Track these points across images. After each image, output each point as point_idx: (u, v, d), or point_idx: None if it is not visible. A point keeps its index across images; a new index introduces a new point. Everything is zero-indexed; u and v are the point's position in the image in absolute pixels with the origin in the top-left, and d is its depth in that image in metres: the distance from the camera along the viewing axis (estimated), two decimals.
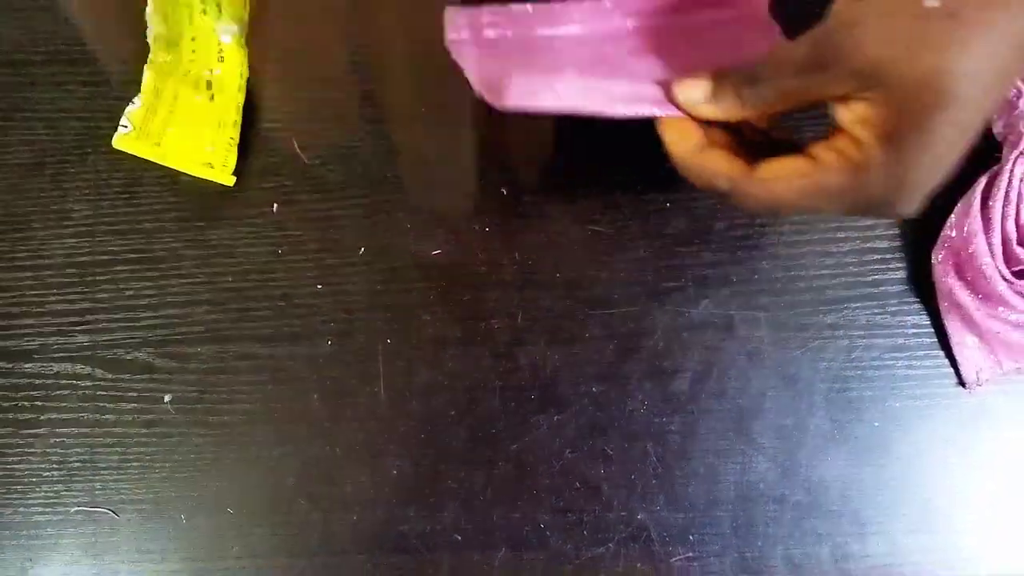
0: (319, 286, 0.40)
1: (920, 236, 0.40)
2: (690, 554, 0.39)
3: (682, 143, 0.32)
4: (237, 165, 0.41)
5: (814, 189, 0.30)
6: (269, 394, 0.40)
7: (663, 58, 0.35)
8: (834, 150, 0.30)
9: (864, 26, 0.28)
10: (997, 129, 0.39)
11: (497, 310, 0.40)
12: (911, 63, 0.27)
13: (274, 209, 0.41)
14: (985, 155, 0.40)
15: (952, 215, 0.39)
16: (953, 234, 0.39)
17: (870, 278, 0.40)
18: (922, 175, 0.29)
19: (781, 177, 0.31)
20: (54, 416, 0.40)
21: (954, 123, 0.27)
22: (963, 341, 0.39)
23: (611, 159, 0.41)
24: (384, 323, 0.40)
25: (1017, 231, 0.38)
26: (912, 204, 0.30)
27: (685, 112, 0.32)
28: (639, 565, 0.39)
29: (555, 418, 0.40)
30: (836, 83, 0.29)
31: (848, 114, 0.29)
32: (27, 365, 0.40)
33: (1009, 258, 0.38)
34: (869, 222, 0.41)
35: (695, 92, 0.32)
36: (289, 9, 0.42)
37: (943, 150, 0.28)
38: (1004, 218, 0.38)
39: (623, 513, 0.39)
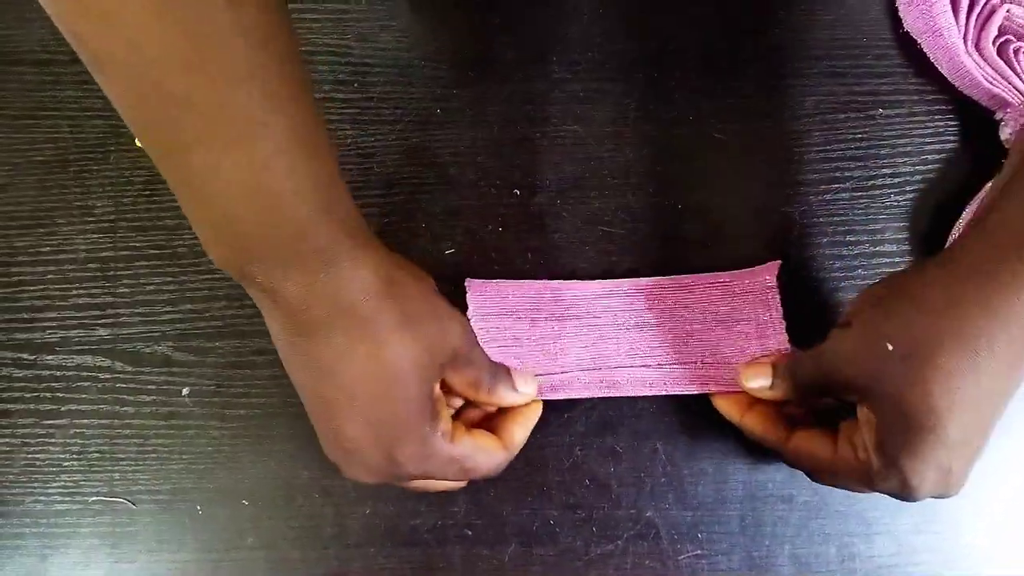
0: None
1: (929, 240, 0.41)
2: (698, 552, 0.39)
3: (733, 411, 0.38)
4: None
5: (831, 472, 0.34)
6: (285, 389, 0.40)
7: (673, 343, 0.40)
8: (850, 443, 0.33)
9: (845, 354, 0.33)
10: (1004, 136, 0.40)
11: None
12: (883, 391, 0.31)
13: None
14: (993, 161, 0.41)
15: (960, 220, 0.40)
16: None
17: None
18: (923, 485, 0.31)
19: (804, 452, 0.35)
20: (75, 407, 0.40)
21: (938, 448, 0.30)
22: None
23: (623, 162, 0.42)
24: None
25: None
26: (925, 496, 0.32)
27: (746, 391, 0.37)
28: (647, 562, 0.39)
29: (565, 415, 0.40)
30: (840, 392, 0.33)
31: (861, 415, 0.33)
32: (49, 357, 0.41)
33: None
34: (879, 225, 0.41)
35: (761, 380, 0.37)
36: (303, 12, 0.43)
37: (935, 471, 0.31)
38: None
39: (632, 510, 0.40)
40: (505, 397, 0.37)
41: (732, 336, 0.39)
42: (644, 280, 0.40)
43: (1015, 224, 0.30)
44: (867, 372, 0.31)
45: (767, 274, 0.39)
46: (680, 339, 0.39)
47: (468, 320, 0.38)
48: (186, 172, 0.28)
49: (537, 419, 0.38)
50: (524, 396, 0.38)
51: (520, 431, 0.38)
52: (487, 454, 0.35)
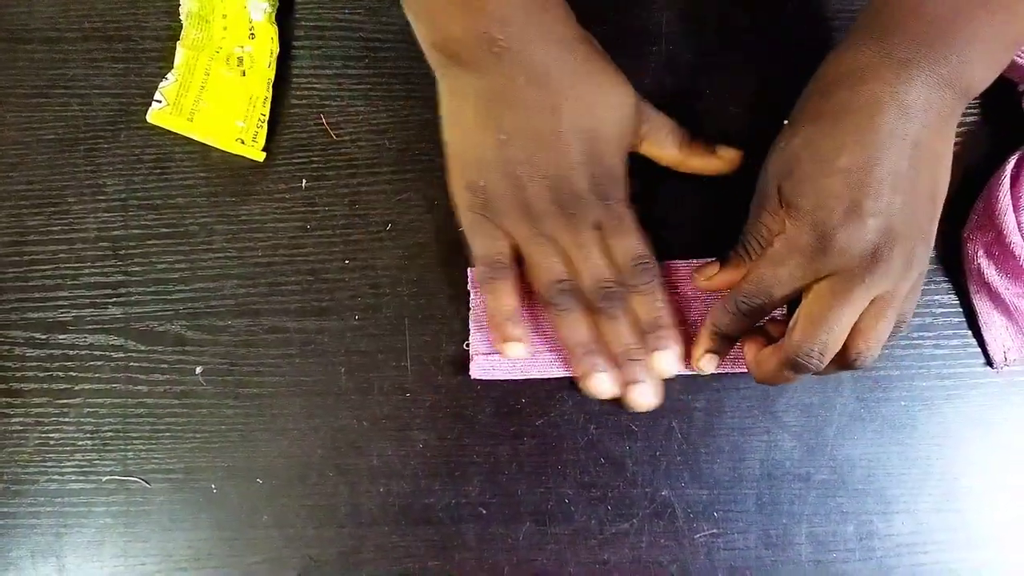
0: (347, 261, 0.41)
1: (950, 215, 0.40)
2: (714, 531, 0.39)
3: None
4: (267, 141, 0.41)
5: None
6: (298, 367, 0.40)
7: None
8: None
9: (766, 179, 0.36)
10: None
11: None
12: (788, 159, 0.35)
13: (303, 185, 0.41)
14: (1016, 134, 0.40)
15: (982, 194, 0.39)
16: (983, 212, 0.39)
17: None
18: (830, 217, 0.34)
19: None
20: (88, 387, 0.40)
21: (824, 179, 0.34)
22: (991, 321, 0.39)
23: None
24: (411, 298, 0.40)
25: None
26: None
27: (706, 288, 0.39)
28: (663, 541, 0.39)
29: (580, 393, 0.40)
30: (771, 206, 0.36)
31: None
32: (62, 337, 0.41)
33: None
34: None
35: (703, 272, 0.38)
36: None
37: (832, 200, 0.34)
38: None
39: (647, 489, 0.39)
40: (697, 157, 0.39)
41: None
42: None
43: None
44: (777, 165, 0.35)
45: None
46: (685, 320, 0.39)
47: None
48: None
49: None
50: (723, 160, 0.39)
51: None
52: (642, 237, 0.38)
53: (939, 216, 0.35)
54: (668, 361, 0.38)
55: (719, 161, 0.39)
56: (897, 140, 0.32)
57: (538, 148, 0.35)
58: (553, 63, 0.35)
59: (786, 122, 0.36)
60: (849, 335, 0.34)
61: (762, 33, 0.42)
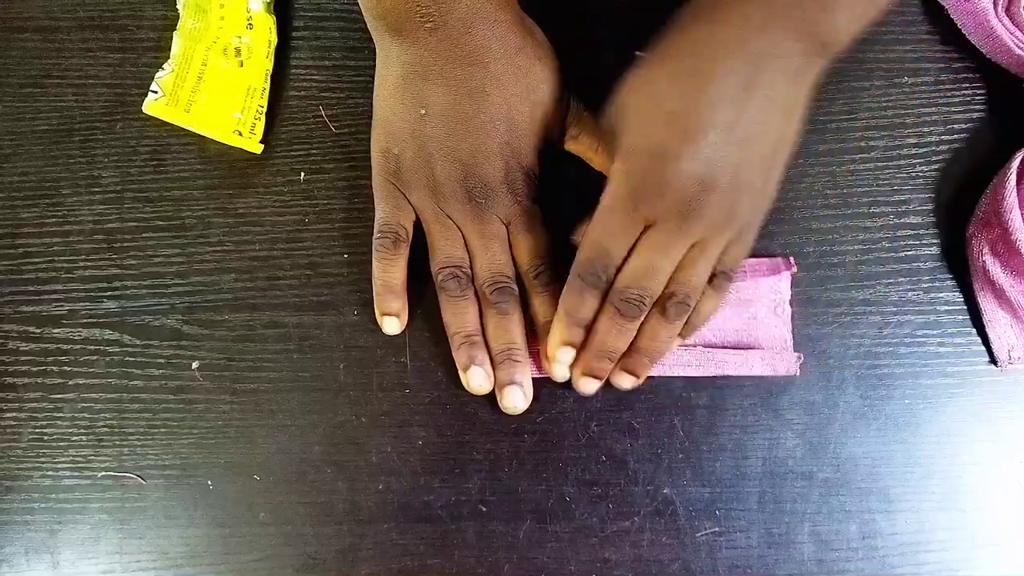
0: (346, 255, 0.40)
1: (955, 212, 0.40)
2: (716, 529, 0.39)
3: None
4: (265, 133, 0.40)
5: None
6: (296, 362, 0.40)
7: None
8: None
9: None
10: None
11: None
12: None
13: (301, 178, 0.41)
14: (1021, 131, 0.39)
15: (987, 190, 0.39)
16: (988, 209, 0.38)
17: (903, 254, 0.40)
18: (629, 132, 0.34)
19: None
20: (82, 381, 0.40)
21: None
22: (996, 319, 0.39)
23: None
24: (410, 292, 0.40)
25: None
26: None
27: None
28: (664, 539, 0.39)
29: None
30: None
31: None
32: (56, 330, 0.40)
33: None
34: (903, 197, 0.40)
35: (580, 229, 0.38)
36: None
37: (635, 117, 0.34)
38: None
39: (649, 487, 0.39)
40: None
41: (737, 320, 0.39)
42: None
43: None
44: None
45: (780, 282, 0.39)
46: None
47: None
48: None
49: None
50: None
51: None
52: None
53: (780, 170, 0.34)
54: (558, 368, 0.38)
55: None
56: (734, 88, 0.31)
57: (455, 129, 0.35)
58: (484, 45, 0.35)
59: (638, 53, 0.35)
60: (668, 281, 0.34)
61: None
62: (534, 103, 0.36)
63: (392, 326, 0.38)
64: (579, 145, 0.39)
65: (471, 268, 0.38)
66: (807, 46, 0.32)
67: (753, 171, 0.33)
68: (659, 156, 0.32)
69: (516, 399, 0.38)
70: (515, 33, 0.35)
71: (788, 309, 0.39)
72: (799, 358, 0.38)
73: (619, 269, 0.35)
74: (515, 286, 0.38)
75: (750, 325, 0.39)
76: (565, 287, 0.36)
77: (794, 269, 0.39)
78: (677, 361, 0.39)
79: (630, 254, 0.34)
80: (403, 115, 0.36)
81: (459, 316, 0.38)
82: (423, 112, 0.35)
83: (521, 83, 0.36)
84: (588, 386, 0.37)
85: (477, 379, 0.38)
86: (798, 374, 0.39)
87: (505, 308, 0.38)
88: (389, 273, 0.38)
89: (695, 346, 0.39)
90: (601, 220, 0.34)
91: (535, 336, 0.39)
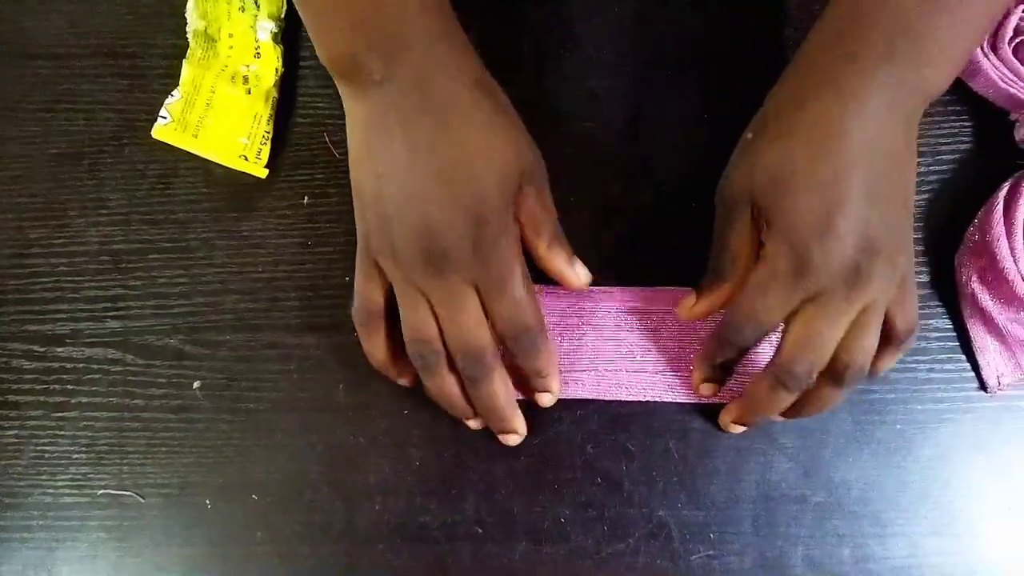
0: (347, 278, 0.41)
1: (944, 240, 0.41)
2: (710, 552, 0.39)
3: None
4: (270, 158, 0.41)
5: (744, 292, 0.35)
6: (296, 383, 0.40)
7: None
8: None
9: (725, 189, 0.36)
10: (1020, 136, 0.40)
11: None
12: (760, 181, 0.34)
13: (305, 202, 0.42)
14: (1008, 161, 0.40)
15: (976, 219, 0.40)
16: (976, 238, 0.39)
17: None
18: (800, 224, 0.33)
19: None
20: (85, 400, 0.40)
21: (801, 192, 0.33)
22: (985, 345, 0.40)
23: (637, 160, 0.42)
24: None
25: None
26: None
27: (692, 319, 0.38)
28: (659, 562, 0.39)
29: (578, 412, 0.40)
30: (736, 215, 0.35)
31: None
32: (59, 349, 0.41)
33: None
34: None
35: (685, 303, 0.38)
36: None
37: (807, 210, 0.33)
38: None
39: (644, 509, 0.39)
40: (558, 260, 0.36)
41: None
42: (649, 291, 0.40)
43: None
44: (748, 179, 0.34)
45: None
46: (680, 348, 0.40)
47: None
48: None
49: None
50: (575, 276, 0.37)
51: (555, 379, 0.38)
52: (535, 311, 0.35)
53: (912, 222, 0.35)
54: (548, 401, 0.39)
55: (572, 275, 0.37)
56: (868, 150, 0.32)
57: (410, 191, 0.33)
58: (437, 100, 0.33)
59: (749, 135, 0.36)
60: (836, 350, 0.34)
61: (761, 60, 0.42)
62: (493, 161, 0.33)
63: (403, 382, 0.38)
64: (524, 228, 0.35)
65: (442, 338, 0.35)
66: (915, 97, 0.33)
67: (901, 224, 0.34)
68: (819, 230, 0.32)
69: (514, 441, 0.39)
70: (471, 88, 0.33)
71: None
72: None
73: (780, 343, 0.35)
74: (490, 354, 0.35)
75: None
76: (712, 337, 0.36)
77: None
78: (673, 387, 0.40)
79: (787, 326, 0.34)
80: (366, 177, 0.34)
81: (438, 388, 0.37)
82: (380, 171, 0.33)
83: (480, 138, 0.33)
84: (737, 430, 0.38)
85: (477, 426, 0.39)
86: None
87: (480, 378, 0.35)
88: (371, 344, 0.37)
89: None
90: (757, 294, 0.34)
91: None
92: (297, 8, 0.34)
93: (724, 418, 0.39)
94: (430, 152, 0.33)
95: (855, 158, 0.32)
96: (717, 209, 0.36)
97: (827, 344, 0.33)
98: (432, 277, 0.33)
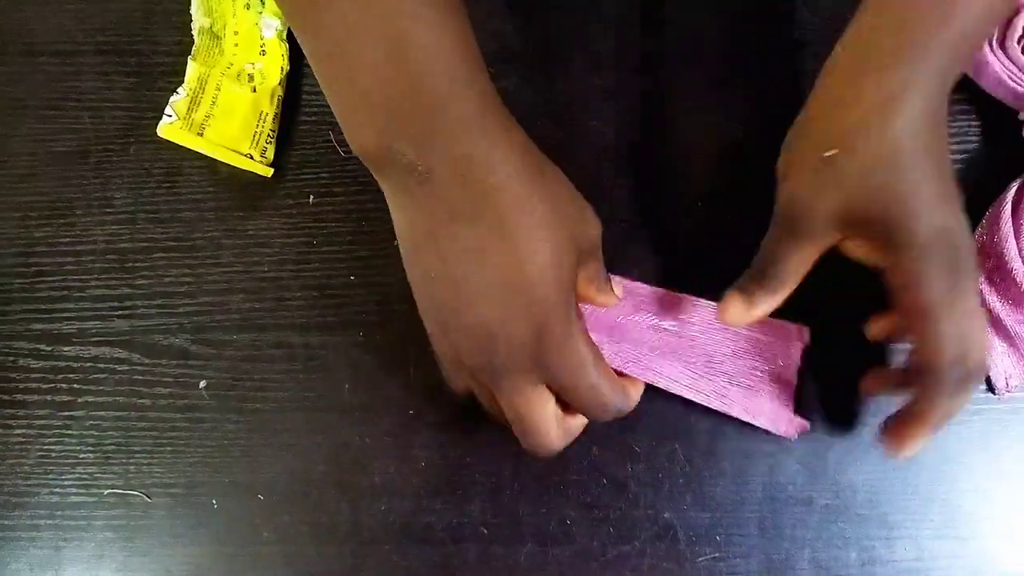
0: (352, 277, 0.41)
1: None
2: (716, 554, 0.39)
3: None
4: (275, 157, 0.41)
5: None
6: (302, 382, 0.40)
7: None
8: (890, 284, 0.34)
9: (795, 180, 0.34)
10: None
11: None
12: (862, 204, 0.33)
13: (310, 201, 0.41)
14: (1016, 161, 0.40)
15: (983, 220, 0.39)
16: (984, 238, 0.39)
17: None
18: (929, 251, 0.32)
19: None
20: (91, 399, 0.40)
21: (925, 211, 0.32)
22: (993, 347, 0.39)
23: (645, 156, 0.42)
24: (416, 315, 0.40)
25: None
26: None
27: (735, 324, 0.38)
28: (665, 564, 0.39)
29: None
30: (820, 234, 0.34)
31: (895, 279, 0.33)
32: (66, 348, 0.41)
33: None
34: None
35: (736, 310, 0.36)
36: None
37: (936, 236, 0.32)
38: None
39: (650, 511, 0.39)
40: (601, 298, 0.35)
41: (745, 369, 0.40)
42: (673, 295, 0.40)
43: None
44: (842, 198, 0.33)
45: (791, 349, 0.39)
46: (708, 356, 0.40)
47: None
48: (324, 34, 0.28)
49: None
50: (612, 300, 0.36)
51: (635, 391, 0.36)
52: (610, 376, 0.33)
53: None
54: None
55: (610, 301, 0.36)
56: (940, 138, 0.32)
57: (464, 299, 0.30)
58: (486, 197, 0.29)
59: (831, 152, 0.32)
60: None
61: (770, 56, 0.42)
62: (551, 255, 0.30)
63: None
64: (597, 302, 0.35)
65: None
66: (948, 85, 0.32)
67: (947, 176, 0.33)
68: (947, 230, 0.32)
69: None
70: (518, 173, 0.30)
71: (795, 373, 0.39)
72: (803, 427, 0.39)
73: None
74: (559, 449, 0.35)
75: (757, 378, 0.39)
76: (938, 394, 0.33)
77: (806, 342, 0.39)
78: (693, 386, 0.39)
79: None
80: (417, 278, 0.32)
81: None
82: (432, 275, 0.31)
83: (534, 235, 0.30)
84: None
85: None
86: (795, 438, 0.39)
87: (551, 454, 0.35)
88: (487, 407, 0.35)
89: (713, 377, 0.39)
90: (942, 313, 0.32)
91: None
92: (324, 92, 0.30)
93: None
94: (481, 259, 0.30)
95: (944, 151, 0.32)
96: (786, 225, 0.34)
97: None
98: (499, 379, 0.32)
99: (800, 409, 0.39)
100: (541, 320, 0.30)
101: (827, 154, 0.32)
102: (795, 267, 0.35)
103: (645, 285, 0.40)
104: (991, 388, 0.40)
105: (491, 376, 0.32)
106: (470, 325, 0.31)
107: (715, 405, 0.39)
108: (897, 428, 0.35)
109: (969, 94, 0.41)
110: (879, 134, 0.32)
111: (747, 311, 0.36)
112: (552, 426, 0.33)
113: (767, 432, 0.39)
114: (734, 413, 0.39)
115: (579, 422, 0.35)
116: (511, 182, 0.30)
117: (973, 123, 0.41)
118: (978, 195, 0.40)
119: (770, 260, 0.35)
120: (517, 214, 0.30)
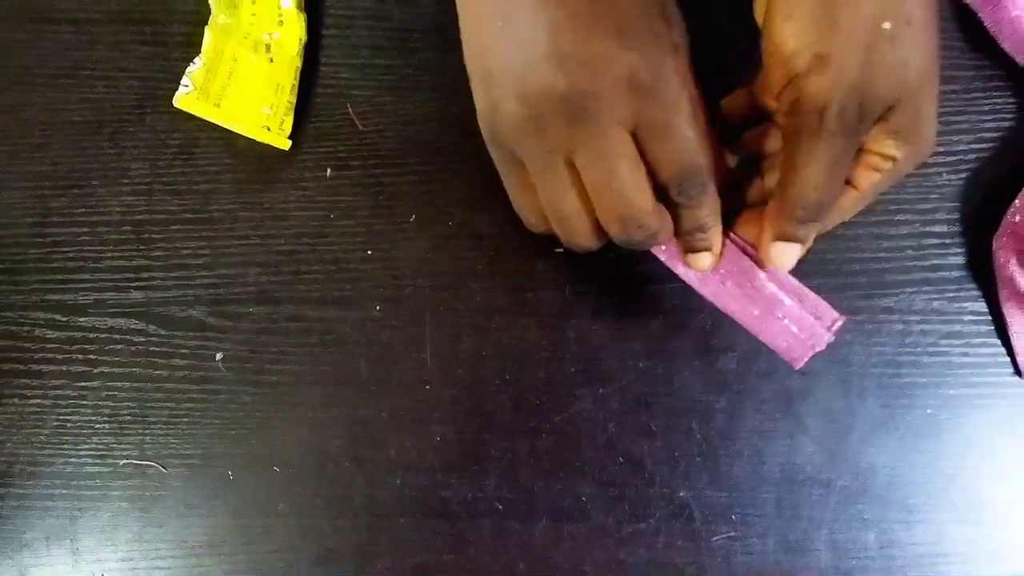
0: (369, 251, 0.40)
1: (981, 221, 0.39)
2: (732, 534, 0.39)
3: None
4: (293, 129, 0.41)
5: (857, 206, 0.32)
6: (318, 356, 0.40)
7: None
8: (869, 168, 0.31)
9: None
10: None
11: (545, 282, 0.40)
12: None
13: (328, 174, 0.41)
14: None
15: (1016, 200, 0.38)
16: (1017, 219, 0.38)
17: (928, 262, 0.40)
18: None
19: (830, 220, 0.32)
20: (107, 370, 0.40)
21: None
22: (1021, 330, 0.39)
23: None
24: (432, 290, 0.40)
25: None
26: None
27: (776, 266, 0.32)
28: (680, 542, 0.39)
29: (600, 391, 0.39)
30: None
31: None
32: (82, 319, 0.41)
33: None
34: (929, 205, 0.40)
35: (791, 254, 0.32)
36: None
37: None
38: None
39: (665, 490, 0.39)
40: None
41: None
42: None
43: None
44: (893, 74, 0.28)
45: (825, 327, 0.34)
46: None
47: None
48: None
49: None
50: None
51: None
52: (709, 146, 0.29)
53: None
54: (706, 263, 0.32)
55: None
56: None
57: (538, 27, 0.27)
58: None
59: (887, 24, 0.27)
60: None
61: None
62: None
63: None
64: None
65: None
66: None
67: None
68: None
69: (707, 262, 0.33)
70: None
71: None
72: (836, 322, 0.33)
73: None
74: (652, 217, 0.30)
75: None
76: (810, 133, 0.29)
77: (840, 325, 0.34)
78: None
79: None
80: (486, 38, 0.29)
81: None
82: (501, 24, 0.28)
83: None
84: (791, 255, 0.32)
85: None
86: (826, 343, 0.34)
87: (641, 246, 0.31)
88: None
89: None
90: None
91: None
92: None
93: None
94: None
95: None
96: (833, 123, 0.28)
97: None
98: (579, 133, 0.28)
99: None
100: (630, 39, 0.27)
101: (885, 26, 0.27)
102: (840, 178, 0.30)
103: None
104: (1018, 371, 0.39)
105: (565, 121, 0.28)
106: (551, 57, 0.27)
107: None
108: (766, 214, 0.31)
109: (1006, 71, 0.40)
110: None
111: (798, 254, 0.32)
112: (642, 188, 0.29)
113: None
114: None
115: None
116: None
117: (1009, 101, 0.40)
118: (1012, 174, 0.39)
119: (811, 182, 0.29)
120: None
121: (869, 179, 0.31)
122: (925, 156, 0.31)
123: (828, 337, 0.33)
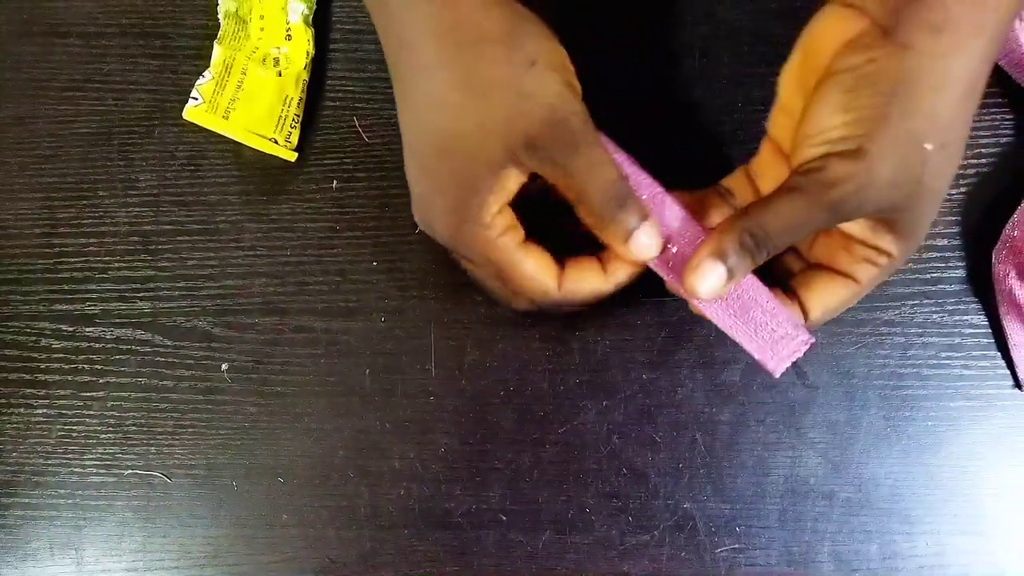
0: (375, 263, 0.41)
1: (981, 235, 0.40)
2: (736, 546, 0.39)
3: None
4: (300, 142, 0.41)
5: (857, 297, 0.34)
6: (323, 367, 0.40)
7: None
8: (866, 262, 0.32)
9: (882, 179, 0.29)
10: None
11: None
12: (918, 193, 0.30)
13: (334, 186, 0.41)
14: None
15: (1015, 215, 0.39)
16: (1016, 234, 0.38)
17: (929, 276, 0.40)
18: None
19: (833, 309, 0.34)
20: (113, 380, 0.40)
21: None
22: (1021, 342, 0.39)
23: (665, 147, 0.42)
24: (437, 302, 0.40)
25: None
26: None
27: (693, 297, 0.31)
28: (683, 554, 0.39)
29: (604, 403, 0.40)
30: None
31: (871, 235, 0.31)
32: (88, 329, 0.41)
33: None
34: None
35: (713, 280, 0.30)
36: None
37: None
38: None
39: (669, 501, 0.39)
40: (607, 236, 0.31)
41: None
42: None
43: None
44: (907, 184, 0.29)
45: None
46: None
47: (577, 103, 0.31)
48: None
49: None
50: (637, 248, 0.31)
51: (623, 271, 0.32)
52: (535, 269, 0.32)
53: None
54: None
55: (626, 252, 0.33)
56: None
57: (414, 177, 0.33)
58: (414, 26, 0.27)
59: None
60: None
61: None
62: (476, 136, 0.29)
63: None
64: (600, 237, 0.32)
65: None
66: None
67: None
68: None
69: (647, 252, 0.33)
70: (439, 42, 0.28)
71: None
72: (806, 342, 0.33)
73: None
74: (562, 294, 0.33)
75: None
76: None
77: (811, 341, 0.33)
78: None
79: None
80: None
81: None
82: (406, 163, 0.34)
83: (477, 77, 0.28)
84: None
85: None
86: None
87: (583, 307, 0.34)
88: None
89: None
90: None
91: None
92: None
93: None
94: (415, 111, 0.32)
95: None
96: (835, 203, 0.29)
97: None
98: (461, 255, 0.34)
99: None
100: (444, 199, 0.31)
101: (927, 146, 0.29)
102: (796, 240, 0.30)
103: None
104: (1018, 384, 0.39)
105: (457, 252, 0.34)
106: (413, 188, 0.33)
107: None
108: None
109: (1004, 87, 0.41)
110: (964, 123, 0.30)
111: (728, 284, 0.30)
112: (534, 265, 0.32)
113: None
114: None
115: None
116: (421, 45, 0.28)
117: (1007, 117, 0.41)
118: (1010, 189, 0.40)
119: (783, 230, 0.30)
120: (429, 78, 0.28)
121: (867, 273, 0.32)
122: (913, 251, 0.32)
123: (806, 339, 0.33)
